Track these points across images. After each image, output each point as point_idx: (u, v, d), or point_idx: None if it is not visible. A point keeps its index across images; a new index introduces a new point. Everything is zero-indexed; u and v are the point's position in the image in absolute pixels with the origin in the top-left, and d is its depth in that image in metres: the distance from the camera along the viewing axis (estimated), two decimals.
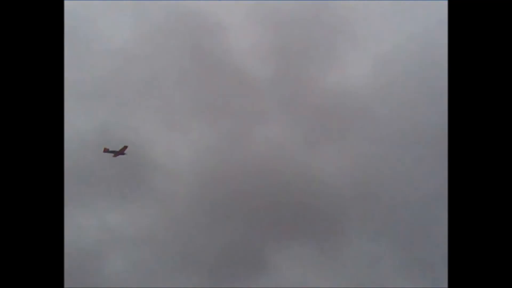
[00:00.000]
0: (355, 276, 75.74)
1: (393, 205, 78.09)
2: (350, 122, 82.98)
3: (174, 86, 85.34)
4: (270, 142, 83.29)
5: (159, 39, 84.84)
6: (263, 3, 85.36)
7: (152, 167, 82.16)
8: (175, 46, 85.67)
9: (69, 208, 54.63)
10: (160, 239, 77.57)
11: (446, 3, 33.03)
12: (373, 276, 75.72)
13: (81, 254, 72.29)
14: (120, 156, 75.90)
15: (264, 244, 79.73)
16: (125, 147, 76.44)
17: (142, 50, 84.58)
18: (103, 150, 76.11)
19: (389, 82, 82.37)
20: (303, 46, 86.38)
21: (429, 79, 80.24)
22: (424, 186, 77.37)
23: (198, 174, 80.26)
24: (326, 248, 79.25)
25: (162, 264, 76.41)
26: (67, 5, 36.78)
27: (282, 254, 78.72)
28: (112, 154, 76.10)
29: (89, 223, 75.99)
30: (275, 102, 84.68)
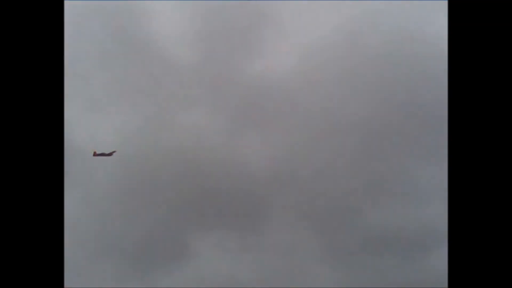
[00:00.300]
0: (275, 263, 78.66)
1: (313, 194, 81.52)
2: (274, 111, 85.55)
3: (96, 68, 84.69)
4: (194, 129, 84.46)
5: (81, 21, 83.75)
6: None
7: (71, 150, 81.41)
8: (98, 29, 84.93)
9: None
10: (80, 225, 77.12)
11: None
12: (292, 263, 78.91)
13: None
14: None
15: (186, 230, 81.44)
16: (114, 151, 76.70)
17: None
18: (93, 154, 75.78)
19: (314, 74, 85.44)
20: (230, 35, 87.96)
21: (354, 71, 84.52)
22: (344, 176, 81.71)
23: (121, 159, 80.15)
24: (247, 236, 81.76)
25: (82, 251, 76.22)
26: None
27: (204, 241, 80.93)
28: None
29: None
30: (200, 89, 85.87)
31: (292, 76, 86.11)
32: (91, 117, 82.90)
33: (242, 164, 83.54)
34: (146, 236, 79.53)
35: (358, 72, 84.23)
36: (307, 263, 78.90)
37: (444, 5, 76.10)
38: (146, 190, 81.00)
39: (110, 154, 77.17)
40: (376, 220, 78.89)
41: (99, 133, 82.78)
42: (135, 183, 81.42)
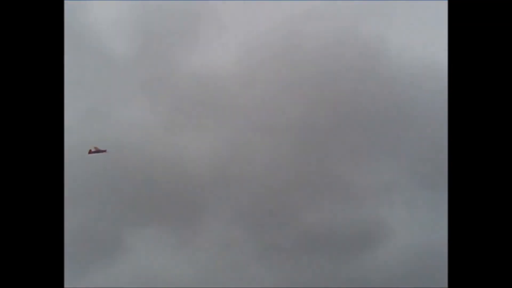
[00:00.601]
0: (211, 260, 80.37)
1: (250, 192, 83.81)
2: (212, 107, 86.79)
3: None
4: (130, 124, 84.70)
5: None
6: None
7: None
8: None
9: None
10: None
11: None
12: (229, 260, 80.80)
13: None
14: None
15: (120, 226, 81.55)
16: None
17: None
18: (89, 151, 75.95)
19: (254, 70, 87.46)
20: (168, 30, 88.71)
21: (296, 67, 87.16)
22: (283, 174, 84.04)
23: None
24: (183, 232, 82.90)
25: None
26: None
27: (138, 237, 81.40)
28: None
29: None
30: (137, 83, 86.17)
31: (230, 74, 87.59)
32: None
33: (179, 160, 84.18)
34: (79, 230, 78.84)
35: (297, 71, 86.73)
36: (243, 261, 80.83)
37: (385, 6, 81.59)
38: (80, 185, 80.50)
39: (104, 151, 77.05)
40: (312, 219, 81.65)
41: None
42: (69, 177, 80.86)
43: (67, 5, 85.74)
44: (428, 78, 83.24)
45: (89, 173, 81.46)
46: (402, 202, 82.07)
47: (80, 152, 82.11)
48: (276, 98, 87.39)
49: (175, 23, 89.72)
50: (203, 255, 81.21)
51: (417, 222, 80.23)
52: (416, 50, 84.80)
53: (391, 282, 75.08)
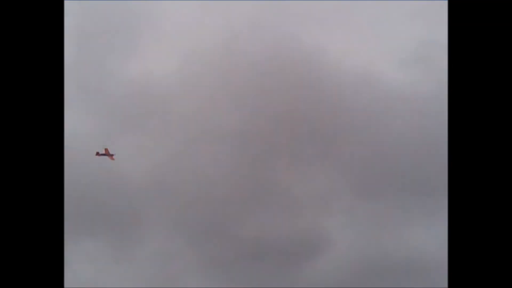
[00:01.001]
0: (149, 273, 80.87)
1: (189, 203, 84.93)
2: (149, 116, 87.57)
3: None
4: (65, 131, 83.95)
5: None
6: None
7: None
8: None
9: None
10: None
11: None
12: (167, 273, 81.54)
13: None
14: None
15: None
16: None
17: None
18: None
19: (194, 78, 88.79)
20: (106, 35, 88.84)
21: (235, 75, 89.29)
22: (223, 183, 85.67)
23: None
24: (120, 245, 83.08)
25: None
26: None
27: (75, 250, 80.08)
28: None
29: None
30: (73, 89, 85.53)
31: (169, 81, 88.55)
32: None
33: (116, 171, 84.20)
34: None
35: (237, 80, 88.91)
36: (183, 273, 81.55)
37: (329, 11, 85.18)
38: None
39: (112, 155, 76.39)
40: (252, 229, 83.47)
41: None
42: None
43: None
44: (367, 86, 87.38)
45: None
46: (341, 210, 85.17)
47: None
48: (215, 107, 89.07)
49: (113, 27, 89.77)
50: (142, 267, 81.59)
51: (356, 231, 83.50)
52: (356, 58, 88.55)
53: None
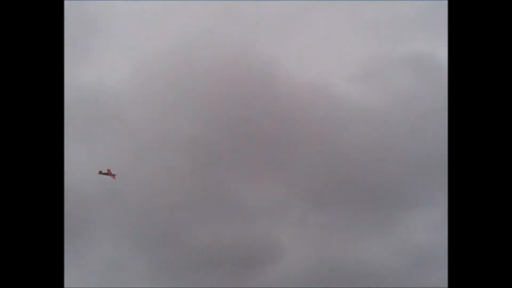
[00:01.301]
0: (100, 279, 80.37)
1: (139, 210, 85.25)
2: (103, 124, 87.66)
3: None
4: None
5: None
6: None
7: None
8: None
9: None
10: None
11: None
12: (118, 279, 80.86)
13: None
14: None
15: None
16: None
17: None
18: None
19: (145, 87, 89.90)
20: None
21: (188, 85, 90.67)
22: (175, 191, 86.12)
23: None
24: (70, 251, 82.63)
25: None
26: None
27: None
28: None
29: None
30: None
31: (120, 90, 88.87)
32: None
33: (66, 179, 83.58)
34: None
35: (190, 90, 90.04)
36: (133, 280, 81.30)
37: (286, 21, 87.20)
38: None
39: (114, 175, 76.16)
40: (204, 237, 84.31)
41: None
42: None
43: None
44: (321, 97, 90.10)
45: None
46: (292, 220, 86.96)
47: None
48: (167, 115, 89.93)
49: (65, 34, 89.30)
50: (92, 273, 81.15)
51: (307, 240, 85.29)
52: (310, 69, 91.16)
53: None
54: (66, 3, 37.41)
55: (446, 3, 36.11)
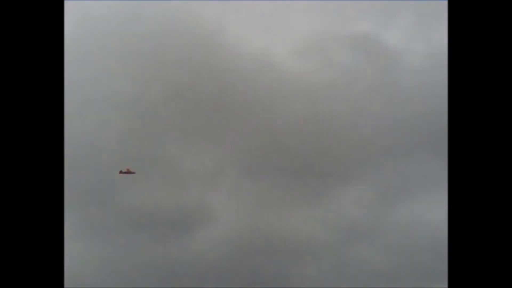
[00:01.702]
0: None
1: (70, 168, 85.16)
2: None
3: None
4: None
5: None
6: None
7: None
8: None
9: None
10: None
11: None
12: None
13: None
14: None
15: None
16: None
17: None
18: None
19: (88, 44, 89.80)
20: None
21: (132, 45, 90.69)
22: (107, 150, 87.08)
23: None
24: None
25: None
26: None
27: None
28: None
29: None
30: None
31: (67, 43, 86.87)
32: None
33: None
34: None
35: (135, 48, 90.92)
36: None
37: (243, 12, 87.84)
38: None
39: (133, 172, 78.60)
40: (134, 199, 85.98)
41: None
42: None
43: None
44: (264, 69, 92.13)
45: None
46: (226, 187, 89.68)
47: None
48: (109, 74, 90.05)
49: None
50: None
51: (240, 208, 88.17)
52: (252, 44, 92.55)
53: (206, 266, 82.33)
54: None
55: (446, 3, 36.37)
